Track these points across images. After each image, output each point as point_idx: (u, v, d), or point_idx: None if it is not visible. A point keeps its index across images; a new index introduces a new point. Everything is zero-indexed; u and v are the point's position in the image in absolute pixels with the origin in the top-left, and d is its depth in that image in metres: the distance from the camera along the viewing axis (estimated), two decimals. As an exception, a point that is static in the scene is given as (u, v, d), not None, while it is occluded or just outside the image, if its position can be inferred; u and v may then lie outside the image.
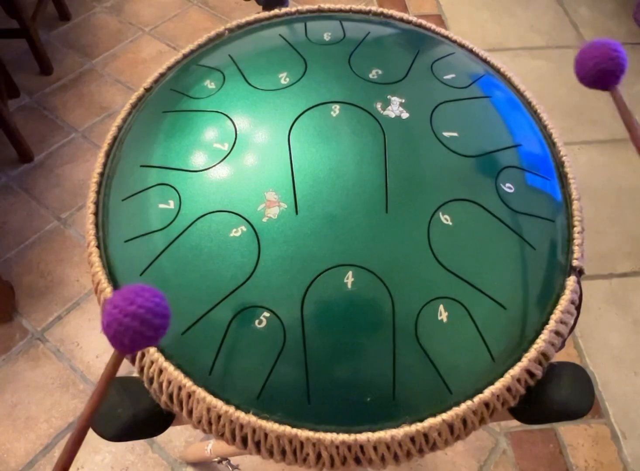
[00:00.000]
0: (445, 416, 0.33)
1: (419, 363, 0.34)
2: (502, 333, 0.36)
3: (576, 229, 0.41)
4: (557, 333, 0.37)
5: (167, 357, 0.35)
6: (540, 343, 0.36)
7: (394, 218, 0.36)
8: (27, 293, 1.08)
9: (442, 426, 0.33)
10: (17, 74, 1.40)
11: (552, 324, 0.36)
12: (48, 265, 1.12)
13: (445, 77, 0.44)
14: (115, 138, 0.45)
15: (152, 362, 0.35)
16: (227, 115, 0.41)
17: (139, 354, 0.35)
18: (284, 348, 0.34)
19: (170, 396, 0.35)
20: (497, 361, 0.35)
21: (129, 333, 0.22)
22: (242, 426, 0.33)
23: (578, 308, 0.39)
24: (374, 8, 0.51)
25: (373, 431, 0.33)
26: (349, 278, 0.34)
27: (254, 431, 0.33)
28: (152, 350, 0.35)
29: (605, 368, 1.02)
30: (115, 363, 0.23)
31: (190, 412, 0.34)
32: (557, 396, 0.36)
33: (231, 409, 0.33)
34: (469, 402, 0.34)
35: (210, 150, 0.39)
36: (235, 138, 0.39)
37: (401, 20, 0.51)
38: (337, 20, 0.49)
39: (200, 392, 0.34)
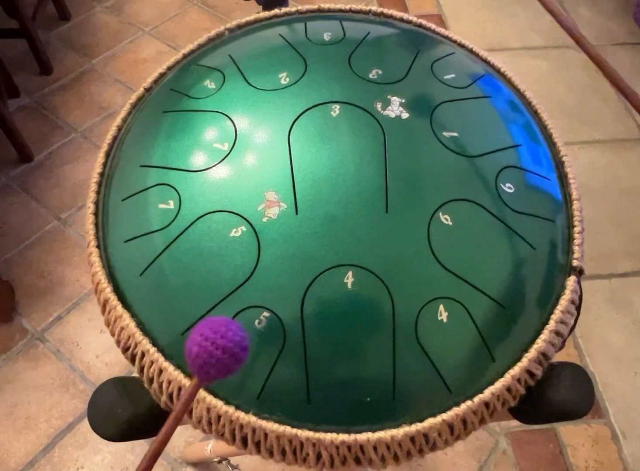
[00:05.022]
0: (445, 416, 0.33)
1: (419, 363, 0.34)
2: (502, 333, 0.36)
3: (576, 229, 0.41)
4: (557, 333, 0.37)
5: (167, 357, 0.35)
6: (540, 343, 0.36)
7: (394, 218, 0.36)
8: (27, 293, 1.08)
9: (442, 426, 0.33)
10: (17, 74, 1.40)
11: (552, 324, 0.36)
12: (48, 265, 1.12)
13: (445, 77, 0.44)
14: (115, 138, 0.45)
15: (152, 362, 0.35)
16: (227, 115, 0.41)
17: (139, 354, 0.35)
18: (284, 348, 0.34)
19: (170, 396, 0.35)
20: (497, 361, 0.35)
21: (218, 365, 0.22)
22: (242, 426, 0.33)
23: (578, 308, 0.39)
24: (374, 8, 0.51)
25: (373, 431, 0.33)
26: (349, 278, 0.34)
27: (254, 431, 0.33)
28: (152, 350, 0.35)
29: (605, 368, 1.02)
30: (193, 392, 0.23)
31: (190, 412, 0.34)
32: (557, 397, 0.36)
33: (231, 409, 0.33)
34: (469, 402, 0.34)
35: (210, 150, 0.39)
36: (235, 138, 0.39)
37: (401, 20, 0.51)
38: (337, 20, 0.49)
39: (200, 392, 0.34)
